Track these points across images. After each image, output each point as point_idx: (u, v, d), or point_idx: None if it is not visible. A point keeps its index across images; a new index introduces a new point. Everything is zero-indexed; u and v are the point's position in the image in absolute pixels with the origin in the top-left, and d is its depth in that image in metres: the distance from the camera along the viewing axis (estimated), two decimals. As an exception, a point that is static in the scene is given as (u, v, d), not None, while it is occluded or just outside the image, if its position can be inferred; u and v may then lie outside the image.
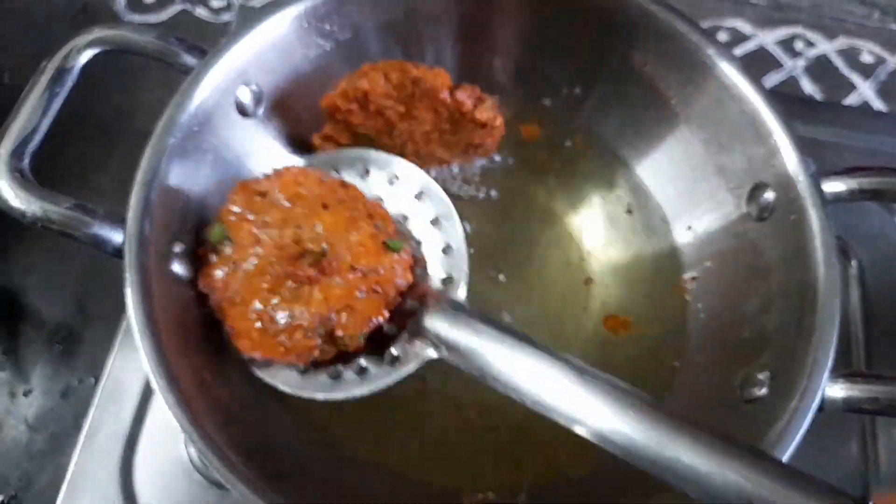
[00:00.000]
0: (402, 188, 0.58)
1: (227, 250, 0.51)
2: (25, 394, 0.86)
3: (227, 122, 0.57)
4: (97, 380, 0.85)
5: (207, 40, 0.57)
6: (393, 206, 0.57)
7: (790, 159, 0.53)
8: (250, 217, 0.51)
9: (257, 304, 0.49)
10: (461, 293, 0.54)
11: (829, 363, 0.47)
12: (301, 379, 0.52)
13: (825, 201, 0.51)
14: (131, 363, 0.65)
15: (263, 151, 0.61)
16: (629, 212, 0.65)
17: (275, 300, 0.49)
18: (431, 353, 0.50)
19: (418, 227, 0.57)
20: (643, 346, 0.60)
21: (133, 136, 0.95)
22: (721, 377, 0.54)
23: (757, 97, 0.55)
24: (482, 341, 0.47)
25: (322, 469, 0.54)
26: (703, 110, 0.59)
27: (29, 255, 0.91)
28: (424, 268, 0.56)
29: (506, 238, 0.65)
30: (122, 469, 0.62)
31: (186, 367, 0.47)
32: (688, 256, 0.63)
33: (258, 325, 0.49)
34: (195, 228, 0.54)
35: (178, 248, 0.52)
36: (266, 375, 0.52)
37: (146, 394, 0.64)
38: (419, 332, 0.50)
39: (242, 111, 0.58)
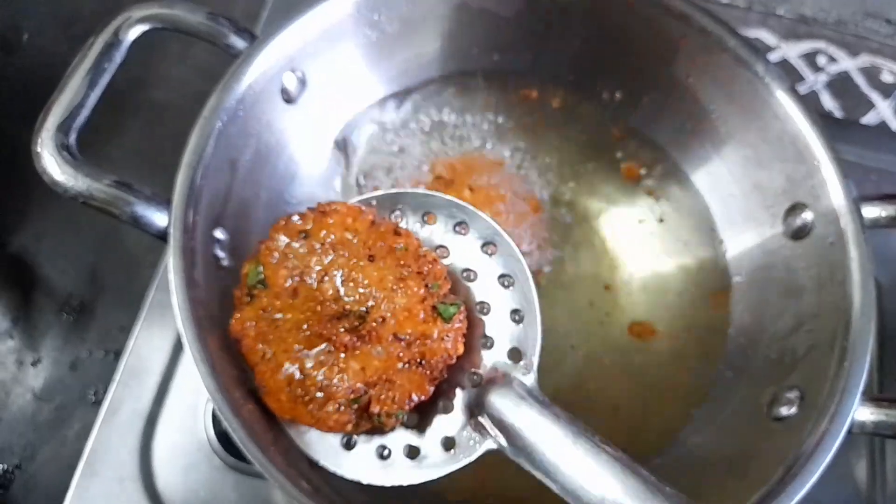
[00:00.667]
0: (469, 239, 0.50)
1: (262, 297, 0.47)
2: (34, 363, 0.85)
3: (271, 107, 0.56)
4: (107, 353, 0.85)
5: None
6: (458, 259, 0.50)
7: (832, 181, 0.53)
8: (289, 263, 0.46)
9: (288, 367, 0.44)
10: (530, 377, 0.46)
11: (861, 387, 0.47)
12: (343, 453, 0.47)
13: (865, 227, 0.51)
14: (156, 341, 0.64)
15: (303, 138, 0.61)
16: (661, 220, 0.65)
17: (308, 364, 0.44)
18: (491, 444, 0.44)
19: (486, 285, 0.49)
20: (670, 355, 0.61)
21: (150, 108, 0.95)
22: (749, 394, 0.55)
23: (801, 117, 0.55)
24: (550, 439, 0.41)
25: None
26: (744, 126, 0.59)
27: (43, 222, 0.90)
28: (484, 335, 0.48)
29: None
30: (142, 447, 0.62)
31: (225, 357, 0.47)
32: (719, 270, 0.63)
33: (288, 389, 0.44)
34: (237, 214, 0.54)
35: (220, 233, 0.52)
36: (302, 442, 0.47)
37: (168, 373, 0.64)
38: (479, 416, 0.45)
39: (287, 97, 0.57)
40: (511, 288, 0.49)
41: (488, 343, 0.48)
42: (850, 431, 0.47)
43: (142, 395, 0.63)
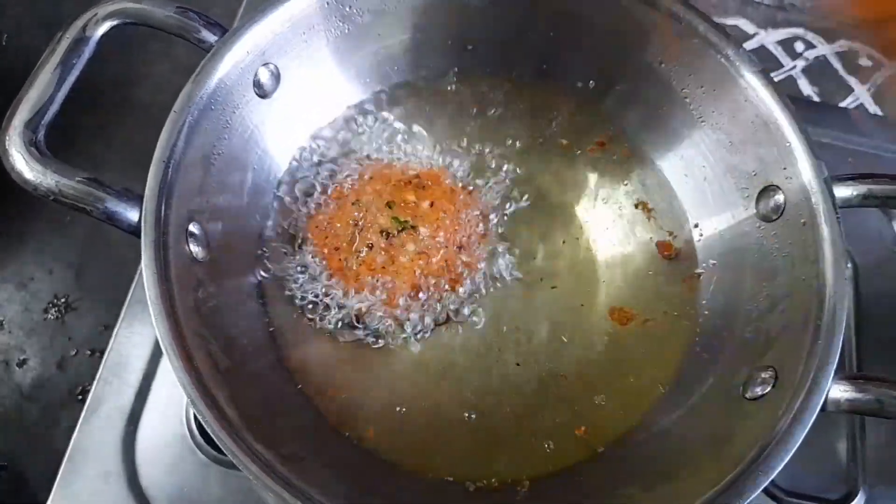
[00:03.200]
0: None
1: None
2: (20, 363, 0.85)
3: (245, 101, 0.56)
4: (93, 352, 0.85)
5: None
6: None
7: (803, 163, 0.53)
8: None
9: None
10: None
11: (835, 365, 0.48)
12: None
13: (836, 206, 0.52)
14: (136, 338, 0.64)
15: (278, 132, 0.61)
16: (636, 206, 0.66)
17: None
18: None
19: None
20: (648, 338, 0.61)
21: (133, 106, 0.95)
22: (724, 374, 0.55)
23: (773, 100, 0.55)
24: None
25: (332, 456, 0.54)
26: (716, 110, 0.59)
27: (28, 222, 0.90)
28: None
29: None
30: (125, 443, 0.62)
31: (200, 346, 0.47)
32: (694, 253, 0.63)
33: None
34: (211, 208, 0.54)
35: (194, 227, 0.52)
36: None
37: (150, 370, 0.64)
38: None
39: (260, 92, 0.57)
40: None
41: None
42: (824, 409, 0.47)
43: (124, 391, 0.63)
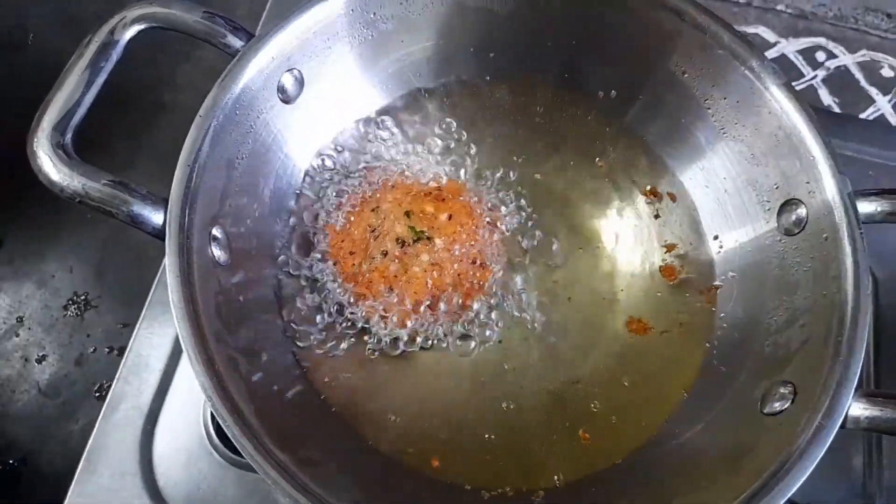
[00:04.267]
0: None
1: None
2: (39, 360, 0.86)
3: (268, 106, 0.57)
4: (111, 349, 0.86)
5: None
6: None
7: (827, 177, 0.53)
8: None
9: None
10: None
11: (855, 382, 0.47)
12: None
13: (860, 222, 0.51)
14: (156, 338, 0.65)
15: (300, 137, 0.62)
16: (656, 217, 0.65)
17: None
18: None
19: None
20: (665, 349, 0.61)
21: (157, 108, 0.96)
22: (742, 388, 0.55)
23: (796, 112, 0.55)
24: None
25: (347, 460, 0.55)
26: (739, 121, 0.59)
27: (49, 220, 0.91)
28: None
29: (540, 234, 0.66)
30: (142, 443, 0.62)
31: (222, 351, 0.48)
32: (713, 265, 0.63)
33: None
34: (234, 212, 0.54)
35: (217, 231, 0.52)
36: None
37: (169, 370, 0.64)
38: None
39: (284, 97, 0.58)
40: None
41: None
42: (843, 426, 0.47)
43: (143, 391, 0.64)
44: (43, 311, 0.88)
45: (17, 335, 0.88)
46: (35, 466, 0.82)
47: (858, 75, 0.93)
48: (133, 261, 0.90)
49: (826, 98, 0.91)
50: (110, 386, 0.64)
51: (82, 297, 0.89)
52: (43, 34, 1.02)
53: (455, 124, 0.68)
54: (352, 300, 0.60)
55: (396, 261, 0.58)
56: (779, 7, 0.97)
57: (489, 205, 0.65)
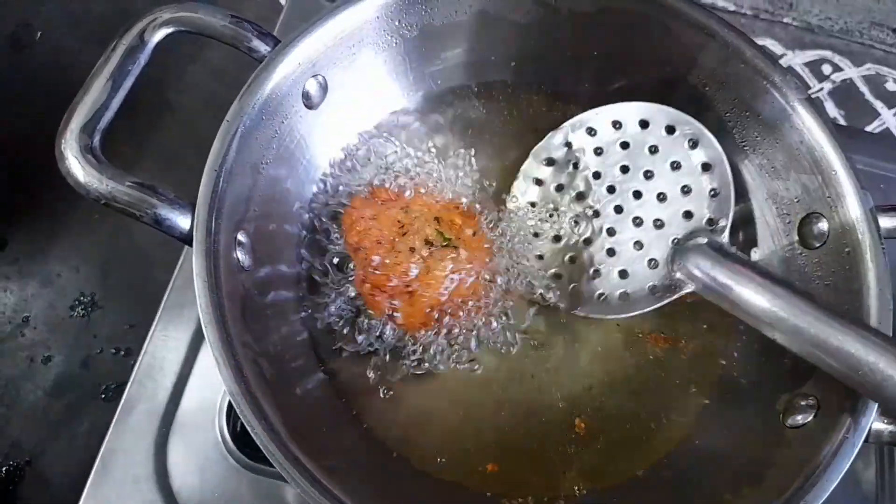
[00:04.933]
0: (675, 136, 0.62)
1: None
2: (45, 360, 0.85)
3: (293, 111, 0.57)
4: (118, 351, 0.86)
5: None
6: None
7: (849, 192, 0.53)
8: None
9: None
10: (724, 236, 0.58)
11: (879, 397, 0.48)
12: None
13: (882, 237, 0.52)
14: (171, 342, 0.65)
15: (323, 143, 0.62)
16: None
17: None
18: (688, 288, 0.57)
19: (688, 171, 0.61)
20: (686, 362, 0.61)
21: (164, 108, 0.95)
22: (764, 401, 0.55)
23: (818, 127, 0.55)
24: (738, 281, 0.53)
25: (370, 468, 0.55)
26: (760, 135, 0.60)
27: (55, 220, 0.91)
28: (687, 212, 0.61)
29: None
30: (157, 447, 0.62)
31: (247, 355, 0.48)
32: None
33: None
34: (258, 217, 0.54)
35: (241, 236, 0.52)
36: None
37: (183, 373, 0.64)
38: (679, 269, 0.58)
39: (308, 103, 0.58)
40: (711, 172, 0.61)
41: (689, 215, 0.61)
42: (867, 440, 0.47)
43: (157, 394, 0.63)
44: (49, 311, 0.87)
45: (23, 335, 0.87)
46: (40, 467, 0.81)
47: (864, 88, 0.94)
48: (139, 262, 0.90)
49: (832, 111, 0.92)
50: (117, 387, 0.64)
51: (89, 298, 0.88)
52: (50, 33, 1.02)
53: (474, 134, 0.68)
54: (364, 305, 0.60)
55: (421, 260, 0.58)
56: (786, 20, 0.98)
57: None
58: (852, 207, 0.53)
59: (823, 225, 0.56)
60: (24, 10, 1.02)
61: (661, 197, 0.62)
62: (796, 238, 0.58)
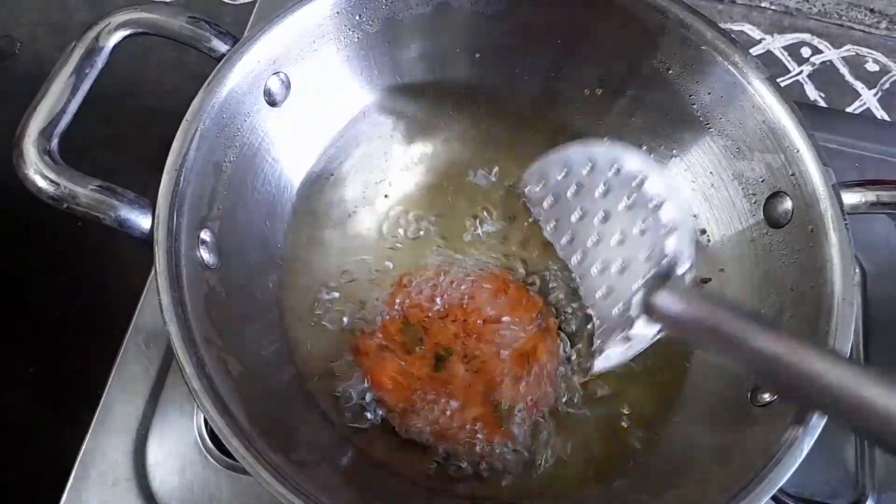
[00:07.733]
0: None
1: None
2: (31, 368, 0.86)
3: (255, 109, 0.57)
4: (104, 357, 0.86)
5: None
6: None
7: (811, 169, 0.53)
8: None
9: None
10: (686, 273, 0.54)
11: (842, 372, 0.47)
12: None
13: (844, 213, 0.52)
14: (148, 343, 0.65)
15: (289, 141, 0.62)
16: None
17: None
18: (658, 332, 0.54)
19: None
20: (655, 347, 0.61)
21: (143, 114, 0.96)
22: (733, 381, 0.55)
23: (780, 105, 0.56)
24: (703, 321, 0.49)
25: (346, 466, 0.55)
26: (724, 116, 0.60)
27: (39, 226, 0.91)
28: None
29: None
30: (136, 449, 0.62)
31: (211, 352, 0.48)
32: (700, 260, 0.63)
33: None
34: (222, 215, 0.54)
35: (205, 234, 0.52)
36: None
37: (161, 375, 0.64)
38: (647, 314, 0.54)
39: (271, 101, 0.58)
40: (662, 209, 0.55)
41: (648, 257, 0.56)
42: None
43: (135, 397, 0.64)
44: (33, 318, 0.88)
45: (11, 342, 0.87)
46: (24, 473, 0.82)
47: (843, 70, 0.94)
48: (123, 268, 0.90)
49: (812, 93, 0.92)
50: (102, 391, 0.64)
51: (74, 305, 0.88)
52: (32, 42, 1.02)
53: (444, 130, 0.68)
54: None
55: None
56: (763, 4, 0.98)
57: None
58: (815, 184, 0.53)
59: (788, 203, 0.56)
60: (3, 21, 1.03)
61: (620, 241, 0.58)
62: (762, 217, 0.58)
